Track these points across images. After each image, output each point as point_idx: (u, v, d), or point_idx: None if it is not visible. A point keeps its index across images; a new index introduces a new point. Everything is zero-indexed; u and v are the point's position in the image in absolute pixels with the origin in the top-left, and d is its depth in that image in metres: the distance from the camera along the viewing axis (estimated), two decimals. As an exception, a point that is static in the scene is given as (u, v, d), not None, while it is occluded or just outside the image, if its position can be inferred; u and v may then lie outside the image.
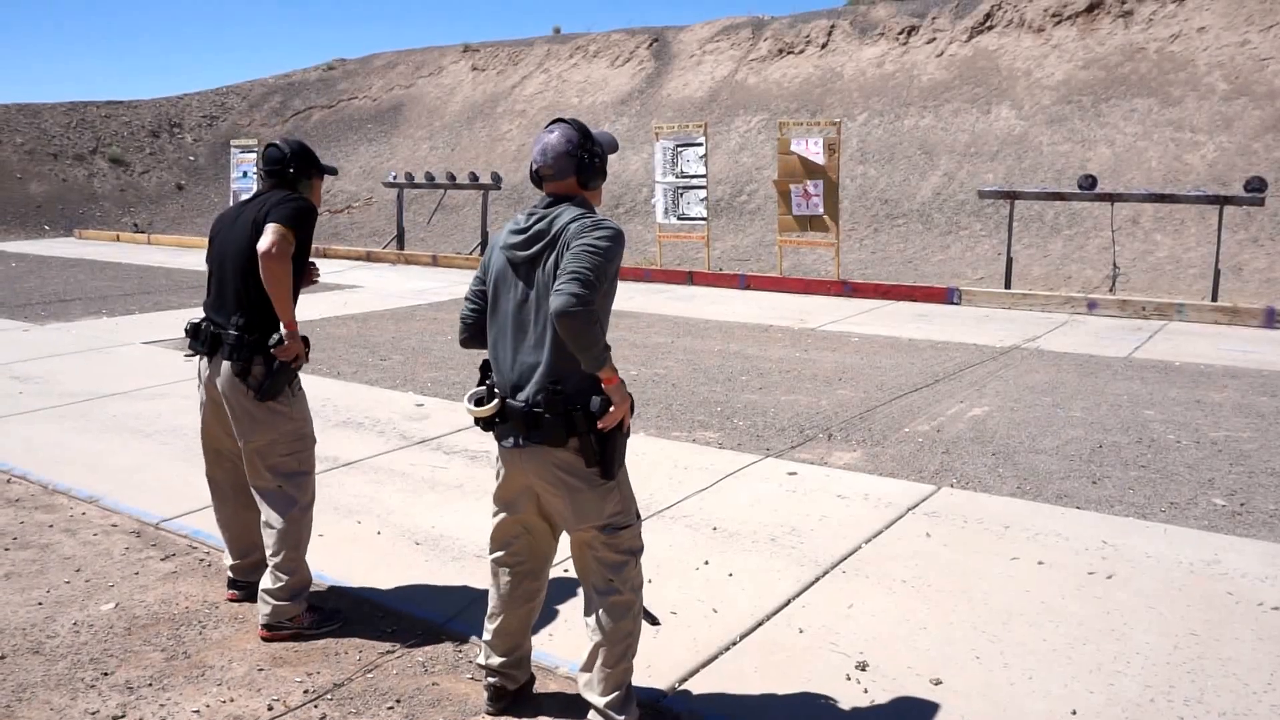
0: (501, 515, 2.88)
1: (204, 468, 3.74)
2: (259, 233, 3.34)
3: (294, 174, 3.55)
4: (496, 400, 2.68)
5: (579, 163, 2.70)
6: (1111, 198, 11.76)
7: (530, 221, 2.68)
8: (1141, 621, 3.49)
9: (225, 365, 3.39)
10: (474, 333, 2.86)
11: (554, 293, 2.47)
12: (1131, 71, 16.37)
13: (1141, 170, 14.59)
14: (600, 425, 2.57)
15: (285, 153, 3.56)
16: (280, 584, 3.40)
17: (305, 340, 3.48)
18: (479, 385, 2.78)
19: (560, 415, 2.57)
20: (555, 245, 2.61)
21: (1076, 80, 16.80)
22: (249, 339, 3.36)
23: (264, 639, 3.41)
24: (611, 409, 2.56)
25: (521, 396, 2.64)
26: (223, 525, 3.73)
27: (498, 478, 2.85)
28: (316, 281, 3.79)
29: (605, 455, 2.60)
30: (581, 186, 2.74)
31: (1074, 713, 2.91)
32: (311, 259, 3.70)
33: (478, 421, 2.75)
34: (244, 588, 3.71)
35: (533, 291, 2.64)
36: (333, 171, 3.91)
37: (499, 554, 2.92)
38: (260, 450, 3.43)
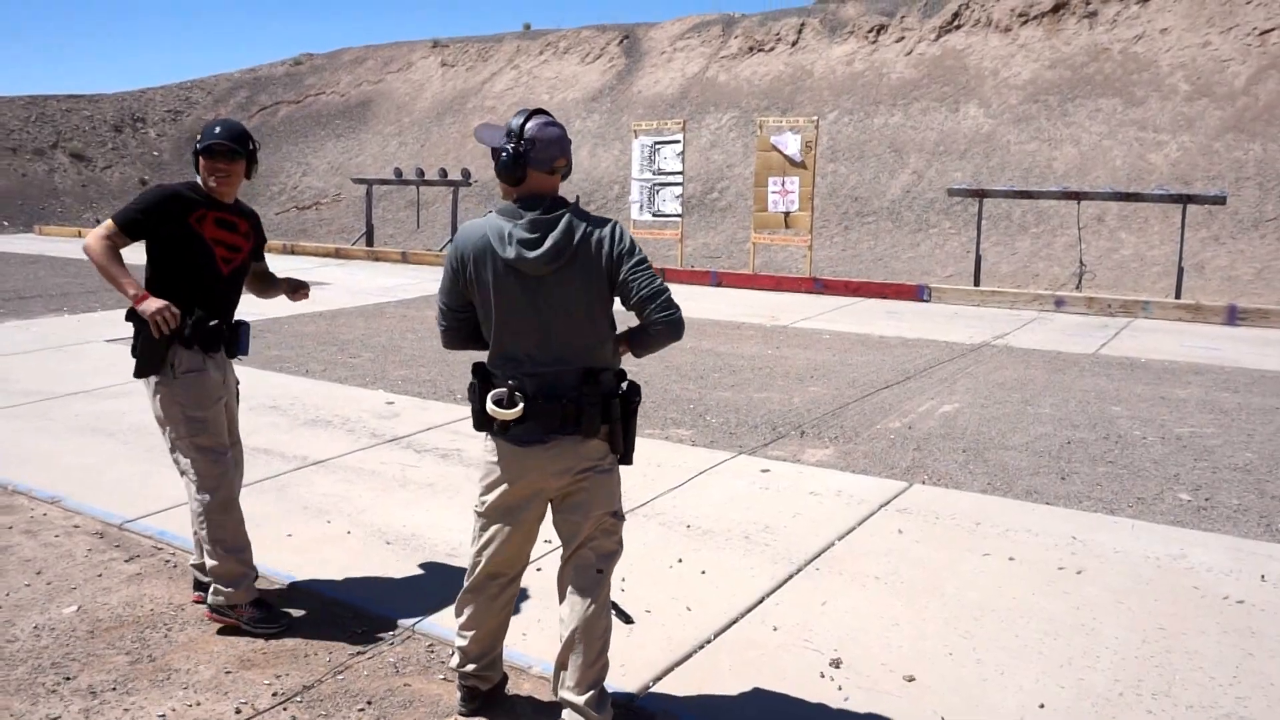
0: (500, 530, 2.79)
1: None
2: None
3: (193, 154, 3.46)
4: (522, 401, 2.63)
5: (538, 151, 2.66)
6: (1078, 196, 11.90)
7: (538, 233, 2.60)
8: (1110, 616, 3.52)
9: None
10: (460, 338, 2.81)
11: (660, 312, 2.62)
12: (1096, 72, 16.57)
13: (1107, 169, 14.77)
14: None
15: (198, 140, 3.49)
16: (210, 566, 3.41)
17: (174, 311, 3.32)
18: (488, 389, 2.68)
19: (598, 406, 2.64)
20: (588, 255, 2.61)
21: (1043, 80, 16.98)
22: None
23: (207, 617, 3.46)
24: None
25: (556, 393, 2.63)
26: None
27: (492, 489, 2.76)
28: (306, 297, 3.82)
29: (629, 441, 2.74)
30: (563, 177, 2.72)
31: (1043, 706, 2.93)
32: (299, 281, 3.76)
33: (481, 425, 2.70)
34: (208, 588, 3.64)
35: (561, 297, 2.61)
36: (209, 151, 3.41)
37: (497, 574, 2.84)
38: (159, 424, 3.43)
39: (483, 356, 2.81)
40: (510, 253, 2.60)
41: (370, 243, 17.13)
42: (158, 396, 3.38)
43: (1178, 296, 10.70)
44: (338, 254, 16.56)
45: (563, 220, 2.61)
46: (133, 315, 3.36)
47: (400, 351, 8.42)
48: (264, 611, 3.44)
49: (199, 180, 3.45)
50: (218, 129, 3.42)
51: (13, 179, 23.74)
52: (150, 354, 3.33)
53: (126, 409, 6.30)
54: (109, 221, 3.31)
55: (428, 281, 12.91)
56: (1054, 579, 3.83)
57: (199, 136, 3.45)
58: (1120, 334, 9.32)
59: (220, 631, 3.41)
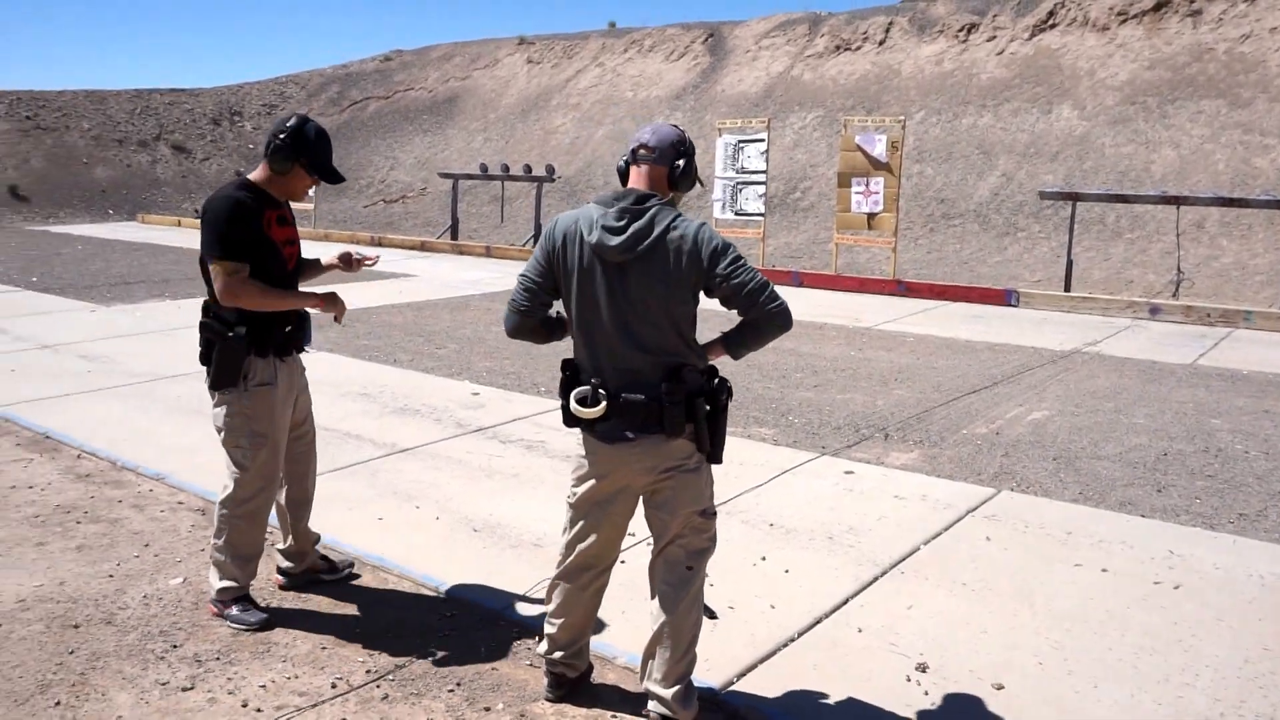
0: (590, 522, 2.82)
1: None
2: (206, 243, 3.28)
3: (277, 146, 3.25)
4: (604, 399, 2.66)
5: (679, 158, 2.74)
6: (1177, 200, 11.50)
7: (624, 221, 2.63)
8: (1210, 634, 3.41)
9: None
10: (528, 322, 2.82)
11: (770, 304, 2.64)
12: (1199, 72, 15.98)
13: (1208, 173, 14.24)
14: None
15: (288, 121, 3.30)
16: (216, 560, 3.43)
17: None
18: (575, 385, 2.72)
19: (681, 405, 2.63)
20: (668, 251, 2.61)
21: (1141, 80, 16.44)
22: (204, 321, 3.38)
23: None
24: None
25: (640, 391, 2.64)
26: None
27: (582, 482, 2.81)
28: (369, 265, 3.69)
29: (716, 440, 2.72)
30: (671, 185, 2.75)
31: (1141, 723, 2.86)
32: (362, 252, 3.64)
33: (572, 422, 2.74)
34: (285, 574, 3.71)
35: (638, 290, 2.63)
36: (330, 177, 3.39)
37: (588, 565, 2.88)
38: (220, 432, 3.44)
39: (570, 351, 2.86)
40: (594, 237, 2.65)
41: (455, 236, 17.43)
42: (224, 407, 3.34)
43: (1282, 307, 10.27)
44: (423, 247, 16.88)
45: (649, 212, 2.64)
46: (208, 327, 3.33)
47: (484, 344, 8.56)
48: (240, 607, 3.41)
49: (254, 178, 3.34)
50: (330, 155, 3.38)
51: (119, 169, 24.76)
52: (230, 365, 3.28)
53: (225, 392, 6.53)
54: (220, 265, 3.22)
55: (511, 276, 13.08)
56: (1150, 593, 3.73)
57: (302, 140, 3.28)
58: (1220, 344, 8.98)
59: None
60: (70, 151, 24.54)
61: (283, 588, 3.69)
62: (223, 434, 3.41)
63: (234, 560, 3.43)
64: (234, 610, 3.41)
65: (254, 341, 3.31)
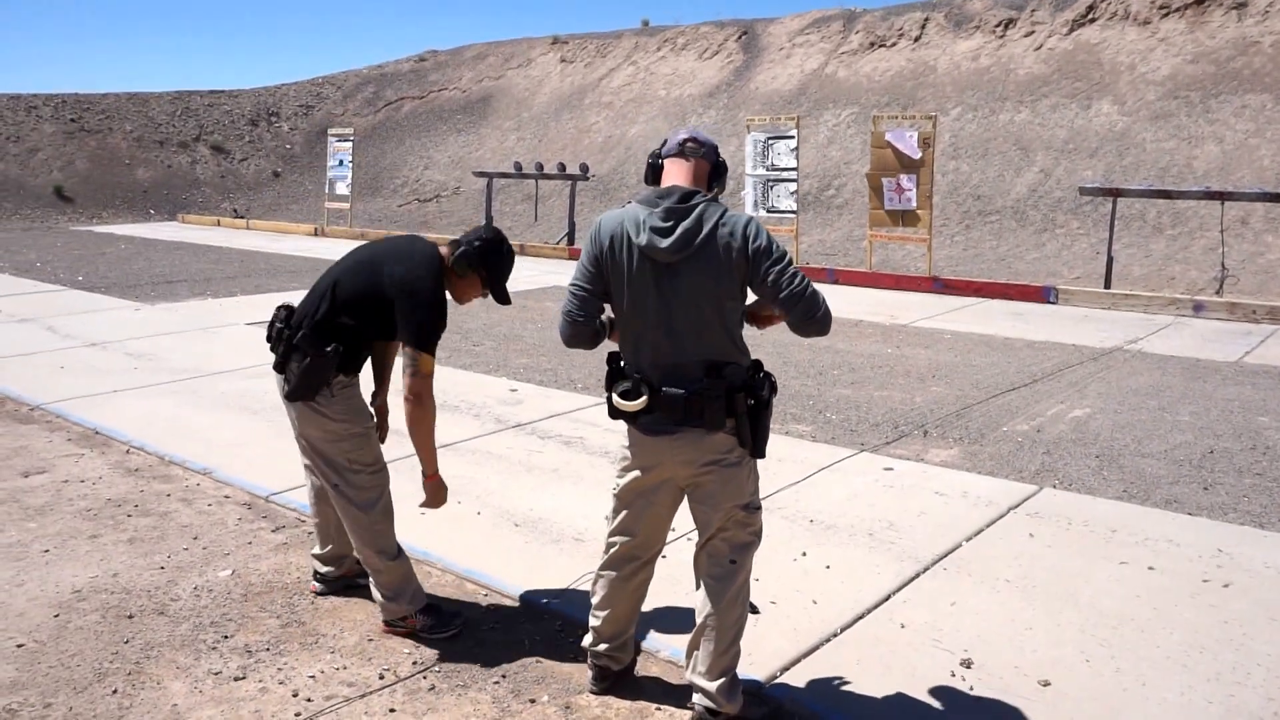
0: (634, 514, 2.84)
1: None
2: (375, 276, 3.20)
3: (464, 252, 3.24)
4: (646, 393, 2.68)
5: (717, 153, 2.83)
6: (1222, 196, 11.32)
7: (671, 221, 2.64)
8: (1262, 632, 3.36)
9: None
10: (586, 332, 2.79)
11: (811, 315, 2.64)
12: (1244, 66, 15.70)
13: (1253, 169, 13.99)
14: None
15: (484, 233, 3.30)
16: (376, 578, 3.34)
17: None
18: (618, 379, 2.74)
19: (721, 399, 2.64)
20: (718, 248, 2.62)
21: (1184, 75, 16.18)
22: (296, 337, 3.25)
23: (384, 631, 3.37)
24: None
25: (681, 386, 2.66)
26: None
27: (626, 474, 2.83)
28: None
29: (758, 435, 2.71)
30: (713, 180, 2.80)
31: (1192, 722, 2.83)
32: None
33: (617, 415, 2.76)
34: (321, 578, 3.66)
35: (689, 289, 2.65)
36: (501, 297, 3.36)
37: (631, 556, 2.90)
38: (310, 447, 3.33)
39: (614, 346, 2.88)
40: (643, 239, 2.65)
41: (489, 235, 17.51)
42: (316, 417, 3.23)
43: (1330, 304, 10.07)
44: (458, 246, 16.98)
45: (696, 210, 2.65)
46: (303, 340, 3.19)
47: (521, 341, 8.61)
48: (434, 618, 3.35)
49: (445, 275, 3.26)
50: (508, 277, 3.35)
51: (159, 170, 25.15)
52: (317, 378, 3.19)
53: (268, 389, 6.62)
54: (427, 361, 3.13)
55: (545, 274, 13.15)
56: (1198, 591, 3.68)
57: (493, 255, 3.27)
58: (1266, 341, 8.83)
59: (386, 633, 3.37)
60: (113, 153, 24.97)
61: (319, 594, 3.64)
62: (320, 452, 3.28)
63: (394, 564, 3.31)
64: (426, 620, 3.32)
65: (343, 364, 3.24)
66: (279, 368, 3.31)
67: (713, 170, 2.81)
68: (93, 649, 3.20)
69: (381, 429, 3.61)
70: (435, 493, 3.33)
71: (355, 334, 3.25)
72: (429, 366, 3.14)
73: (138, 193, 24.11)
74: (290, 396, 3.25)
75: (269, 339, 3.40)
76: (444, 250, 3.31)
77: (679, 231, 2.63)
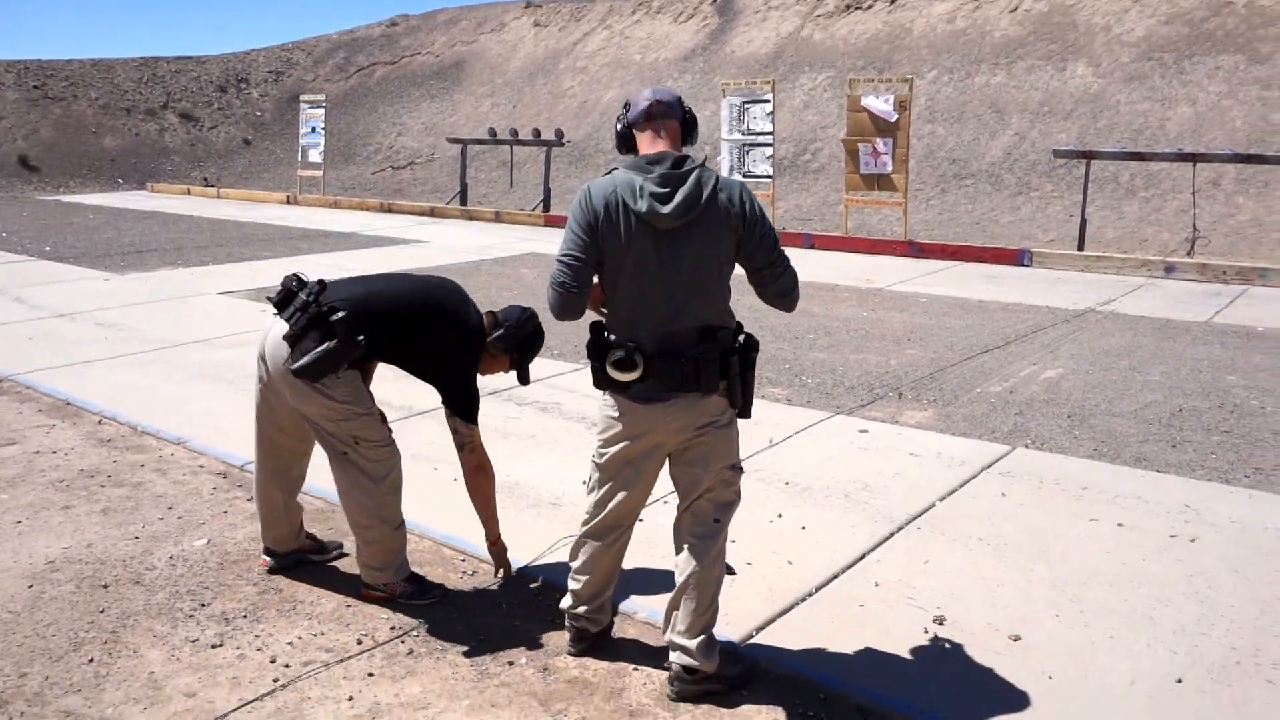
0: (619, 482, 2.83)
1: None
2: (428, 326, 3.24)
3: (503, 335, 3.32)
4: (641, 361, 2.66)
5: (684, 110, 2.81)
6: (1194, 157, 11.40)
7: (669, 186, 2.61)
8: (1226, 585, 3.43)
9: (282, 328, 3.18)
10: (578, 302, 2.71)
11: (780, 284, 2.74)
12: (1218, 27, 15.74)
13: (1225, 130, 14.08)
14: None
15: (525, 319, 3.38)
16: (372, 545, 3.30)
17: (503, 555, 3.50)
18: (605, 348, 2.72)
19: (716, 363, 2.68)
20: (717, 213, 2.64)
21: (1158, 36, 16.20)
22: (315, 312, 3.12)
23: (361, 595, 3.37)
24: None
25: (675, 352, 2.67)
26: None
27: (612, 444, 2.80)
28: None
29: (747, 396, 2.78)
30: (684, 139, 2.78)
31: (1155, 673, 2.89)
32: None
33: (601, 384, 2.75)
34: (272, 554, 3.55)
35: (691, 255, 2.65)
36: (523, 377, 3.49)
37: (614, 524, 2.91)
38: (317, 426, 3.25)
39: (594, 315, 2.86)
40: (642, 205, 2.62)
41: (464, 202, 17.38)
42: (317, 396, 3.12)
43: (1299, 264, 10.19)
44: (432, 213, 16.85)
45: (692, 175, 2.65)
46: (330, 325, 3.07)
47: (497, 308, 8.56)
48: (416, 585, 3.37)
49: (485, 339, 3.33)
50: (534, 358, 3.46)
51: (127, 138, 24.73)
52: (335, 362, 3.08)
53: (242, 358, 6.57)
54: (477, 435, 3.30)
55: (521, 240, 13.07)
56: (1166, 546, 3.75)
57: (529, 340, 3.38)
58: (1235, 302, 8.94)
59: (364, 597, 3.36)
60: (79, 121, 24.51)
61: (271, 570, 3.54)
62: (330, 429, 3.19)
63: (396, 533, 3.32)
64: (408, 588, 3.34)
65: (355, 361, 3.18)
66: (292, 340, 3.12)
67: (683, 127, 2.79)
68: (68, 619, 3.19)
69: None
70: (500, 558, 3.51)
71: (376, 344, 3.19)
72: (479, 439, 3.34)
73: (105, 161, 23.71)
74: (299, 372, 3.07)
75: (280, 304, 3.21)
76: (485, 319, 3.37)
77: (679, 198, 2.62)
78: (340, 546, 3.72)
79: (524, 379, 3.49)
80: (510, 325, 3.35)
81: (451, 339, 3.28)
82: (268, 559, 3.57)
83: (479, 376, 3.40)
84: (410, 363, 3.31)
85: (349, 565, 3.60)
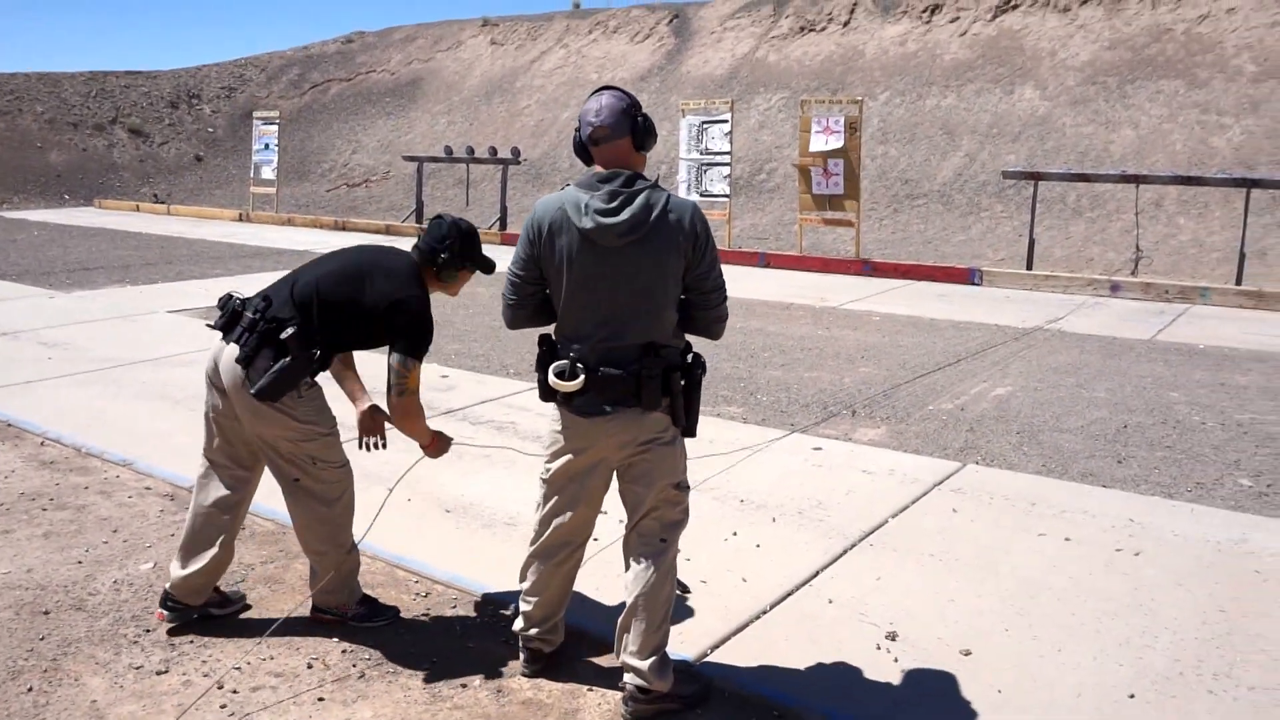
0: (565, 498, 2.84)
1: None
2: (358, 290, 3.11)
3: (446, 260, 3.19)
4: (583, 373, 2.68)
5: (633, 122, 2.70)
6: (1137, 179, 11.68)
7: (616, 203, 2.62)
8: (1169, 597, 3.50)
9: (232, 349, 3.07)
10: (525, 315, 2.82)
11: (716, 313, 2.81)
12: (1158, 53, 16.19)
13: (1166, 153, 14.46)
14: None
15: (448, 232, 3.20)
16: (327, 568, 3.22)
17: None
18: (552, 360, 2.74)
19: (657, 379, 2.68)
20: (666, 233, 2.64)
21: (1102, 61, 16.63)
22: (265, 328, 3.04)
23: (311, 617, 3.31)
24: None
25: (616, 366, 2.67)
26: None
27: (557, 458, 2.82)
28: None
29: (690, 414, 2.78)
30: (636, 148, 2.73)
31: (1102, 684, 2.94)
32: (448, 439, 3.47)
33: (546, 396, 2.77)
34: (172, 604, 3.25)
35: (636, 273, 2.65)
36: (488, 268, 3.32)
37: (563, 542, 2.90)
38: (274, 449, 3.15)
39: (549, 330, 2.87)
40: (587, 223, 2.63)
41: (420, 220, 17.28)
42: (280, 417, 3.05)
43: (1238, 283, 10.47)
44: (388, 230, 16.73)
45: (641, 194, 2.64)
46: (282, 342, 3.00)
47: (452, 326, 8.52)
48: (369, 608, 3.33)
49: (424, 271, 3.22)
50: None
51: (74, 154, 24.26)
52: (293, 379, 3.02)
53: (191, 378, 6.46)
54: (414, 374, 3.08)
55: (477, 259, 13.01)
56: (1111, 560, 3.82)
57: (468, 245, 3.23)
58: (1177, 320, 9.16)
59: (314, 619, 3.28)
60: (23, 135, 24.00)
61: (167, 621, 3.24)
62: (287, 454, 3.13)
63: (350, 555, 3.26)
64: (360, 610, 3.29)
65: (318, 367, 3.15)
66: (244, 362, 3.02)
67: (634, 138, 2.71)
68: (5, 647, 3.11)
69: (377, 429, 3.49)
70: (441, 446, 3.45)
71: (332, 342, 3.15)
72: (416, 381, 3.10)
73: (51, 177, 23.22)
74: (259, 394, 2.98)
75: (224, 327, 3.12)
76: (415, 259, 3.24)
77: (627, 215, 2.62)
78: (244, 597, 3.47)
79: (487, 269, 3.31)
80: (435, 246, 3.19)
81: (391, 298, 3.11)
82: (164, 611, 3.25)
83: (452, 297, 3.45)
84: (371, 339, 3.20)
85: (303, 587, 3.55)
